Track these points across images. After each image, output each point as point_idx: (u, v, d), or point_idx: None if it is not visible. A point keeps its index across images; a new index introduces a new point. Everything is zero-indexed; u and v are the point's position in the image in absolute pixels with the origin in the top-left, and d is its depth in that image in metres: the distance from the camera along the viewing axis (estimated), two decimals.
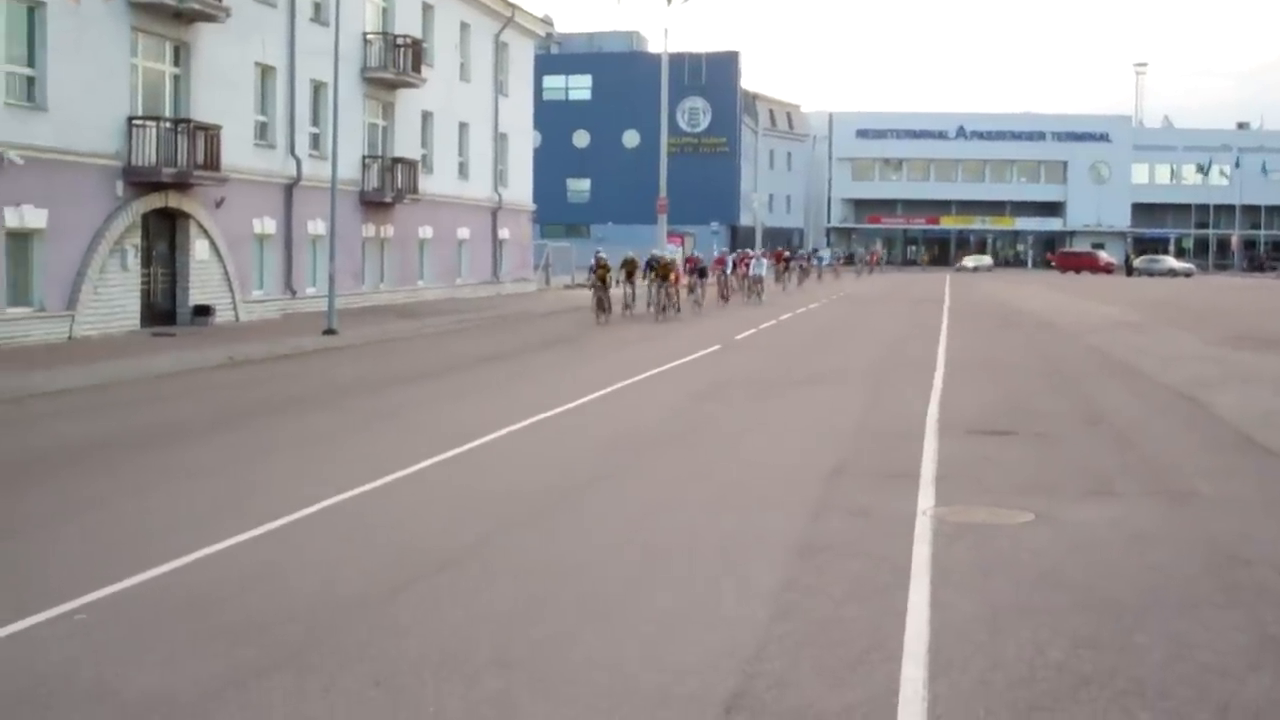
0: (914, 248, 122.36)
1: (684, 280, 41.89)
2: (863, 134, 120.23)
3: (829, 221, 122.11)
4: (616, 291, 40.22)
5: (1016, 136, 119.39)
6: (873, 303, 52.78)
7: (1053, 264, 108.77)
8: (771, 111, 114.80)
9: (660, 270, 39.71)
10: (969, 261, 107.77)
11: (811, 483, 12.81)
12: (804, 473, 13.38)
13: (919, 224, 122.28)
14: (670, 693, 6.75)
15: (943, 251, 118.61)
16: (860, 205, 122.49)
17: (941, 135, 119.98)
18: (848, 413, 18.23)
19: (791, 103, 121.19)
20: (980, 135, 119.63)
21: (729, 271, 51.13)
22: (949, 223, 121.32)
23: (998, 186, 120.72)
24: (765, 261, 55.42)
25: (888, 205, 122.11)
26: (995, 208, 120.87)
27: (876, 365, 25.14)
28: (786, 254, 72.95)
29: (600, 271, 38.26)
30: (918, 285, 72.65)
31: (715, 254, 54.06)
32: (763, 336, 32.89)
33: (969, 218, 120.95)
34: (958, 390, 20.57)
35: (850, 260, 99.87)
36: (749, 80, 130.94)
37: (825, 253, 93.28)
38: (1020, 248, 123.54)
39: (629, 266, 40.85)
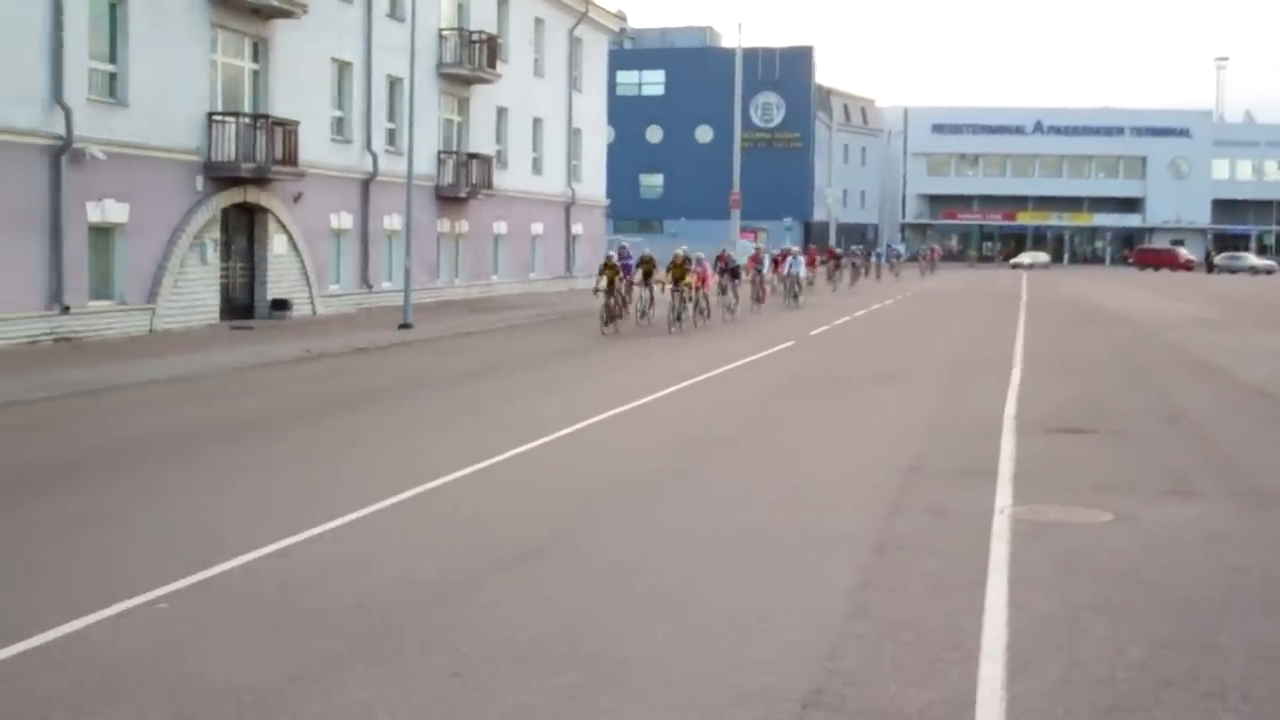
0: (989, 243, 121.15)
1: (713, 282, 35.93)
2: (938, 129, 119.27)
3: (904, 217, 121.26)
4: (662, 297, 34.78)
5: (1095, 131, 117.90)
6: (940, 305, 49.40)
7: (1131, 261, 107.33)
8: (846, 106, 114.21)
9: (675, 270, 33.16)
10: (1024, 258, 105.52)
11: (887, 481, 12.74)
12: (879, 470, 13.31)
13: (995, 220, 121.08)
14: (746, 688, 6.74)
15: (1018, 247, 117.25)
16: (935, 201, 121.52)
17: (1019, 130, 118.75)
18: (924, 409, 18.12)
19: (866, 97, 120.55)
20: (1058, 130, 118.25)
21: (764, 270, 43.83)
22: (1025, 219, 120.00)
23: (1075, 182, 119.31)
24: (801, 260, 47.19)
25: (963, 201, 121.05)
26: (1073, 204, 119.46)
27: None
28: (837, 251, 66.80)
29: (609, 272, 32.05)
30: (991, 283, 71.70)
31: (751, 250, 46.57)
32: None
33: (1046, 214, 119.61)
34: (1035, 387, 20.37)
35: (915, 258, 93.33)
36: (823, 75, 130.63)
37: (898, 247, 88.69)
38: (1098, 244, 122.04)
39: (646, 266, 33.99)
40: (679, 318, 32.31)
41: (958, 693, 6.74)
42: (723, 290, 37.17)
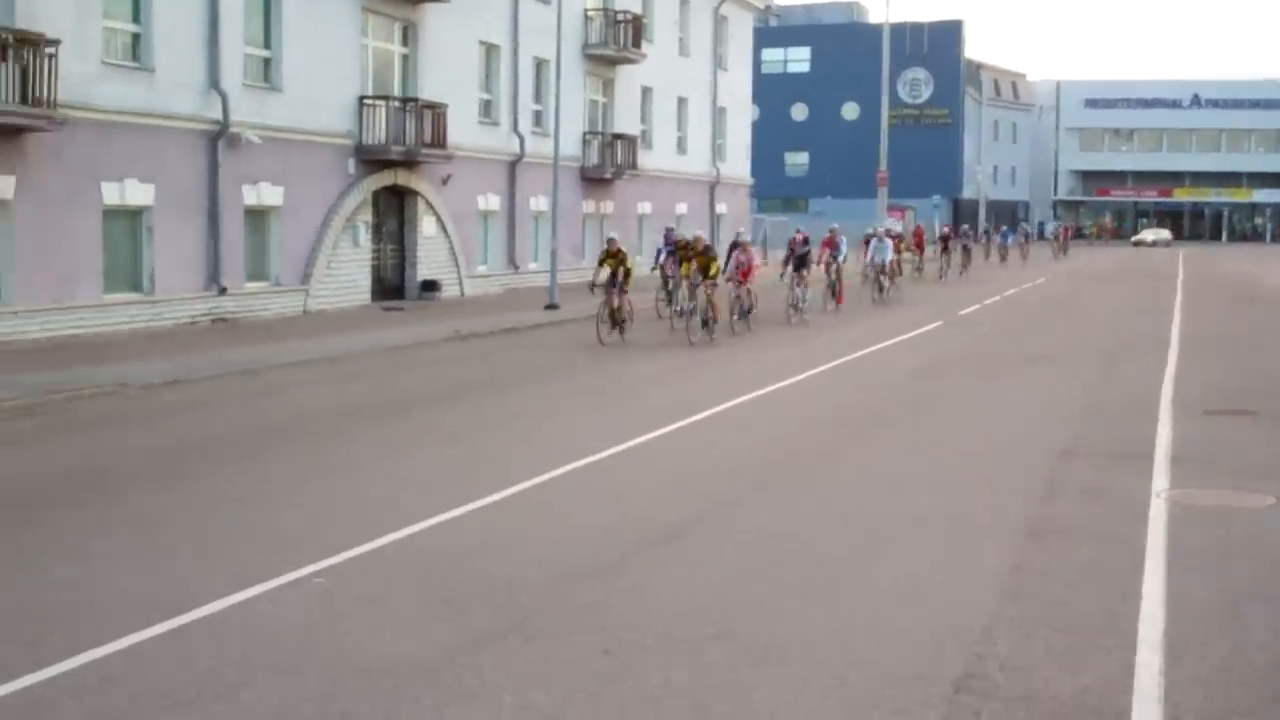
0: (1144, 220, 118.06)
1: (757, 271, 27.92)
2: (1092, 103, 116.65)
3: (1055, 194, 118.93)
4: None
5: (1255, 105, 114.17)
6: (1081, 296, 47.24)
7: None
8: (996, 81, 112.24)
9: (686, 253, 26.09)
10: (1147, 235, 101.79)
11: (1041, 463, 12.53)
12: (1033, 453, 13.10)
13: (1150, 196, 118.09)
14: (897, 671, 6.68)
15: (1175, 225, 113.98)
16: (1088, 177, 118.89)
17: (1175, 104, 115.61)
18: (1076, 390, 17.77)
19: (1017, 71, 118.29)
20: (1215, 104, 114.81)
21: (840, 258, 33.11)
22: (1182, 195, 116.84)
23: (1234, 157, 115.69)
24: (888, 244, 36.73)
25: (1117, 177, 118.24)
26: (1231, 179, 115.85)
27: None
28: (946, 231, 53.86)
29: (612, 260, 24.36)
30: (1139, 265, 69.78)
31: (828, 231, 34.19)
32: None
33: (1203, 190, 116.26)
34: (1193, 368, 19.86)
35: (1042, 236, 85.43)
36: (973, 49, 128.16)
37: (1026, 225, 78.32)
38: (1258, 221, 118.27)
39: (700, 259, 25.16)
40: (701, 320, 24.47)
41: (1113, 679, 6.61)
42: (799, 283, 29.04)
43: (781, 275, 29.86)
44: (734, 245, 27.44)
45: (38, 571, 8.43)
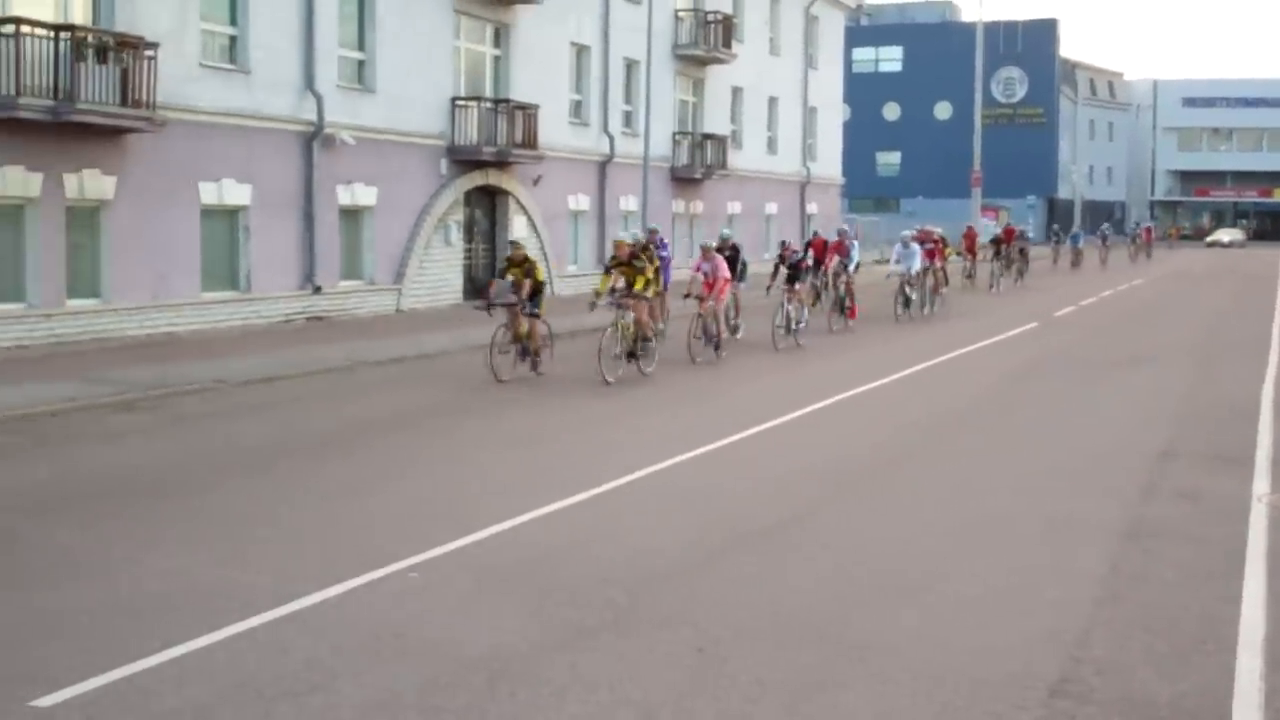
0: (1244, 220, 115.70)
1: (727, 292, 22.34)
2: (1190, 102, 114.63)
3: (1153, 194, 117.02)
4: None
5: None
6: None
7: None
8: (1092, 80, 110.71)
9: (618, 267, 19.44)
10: (1223, 235, 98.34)
11: (1138, 465, 12.35)
12: (1129, 455, 12.91)
13: (1250, 197, 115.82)
14: (992, 675, 6.62)
15: (1275, 226, 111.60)
16: (1186, 177, 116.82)
17: (1276, 103, 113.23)
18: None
19: (1113, 70, 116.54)
20: None
21: (852, 266, 27.56)
22: None
23: None
24: (915, 250, 29.52)
25: (1216, 177, 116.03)
26: None
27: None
28: (1001, 235, 45.07)
29: (516, 271, 19.09)
30: (1226, 262, 68.25)
31: (836, 234, 29.08)
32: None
33: None
34: None
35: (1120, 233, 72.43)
36: (1068, 48, 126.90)
37: (1105, 226, 64.00)
38: None
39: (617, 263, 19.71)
40: (631, 354, 18.86)
41: (1213, 684, 6.51)
42: (795, 298, 23.61)
43: (769, 289, 25.65)
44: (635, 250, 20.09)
45: (137, 564, 8.58)
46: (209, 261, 24.31)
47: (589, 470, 11.71)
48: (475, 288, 32.23)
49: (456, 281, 31.60)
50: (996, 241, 43.58)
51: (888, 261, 30.37)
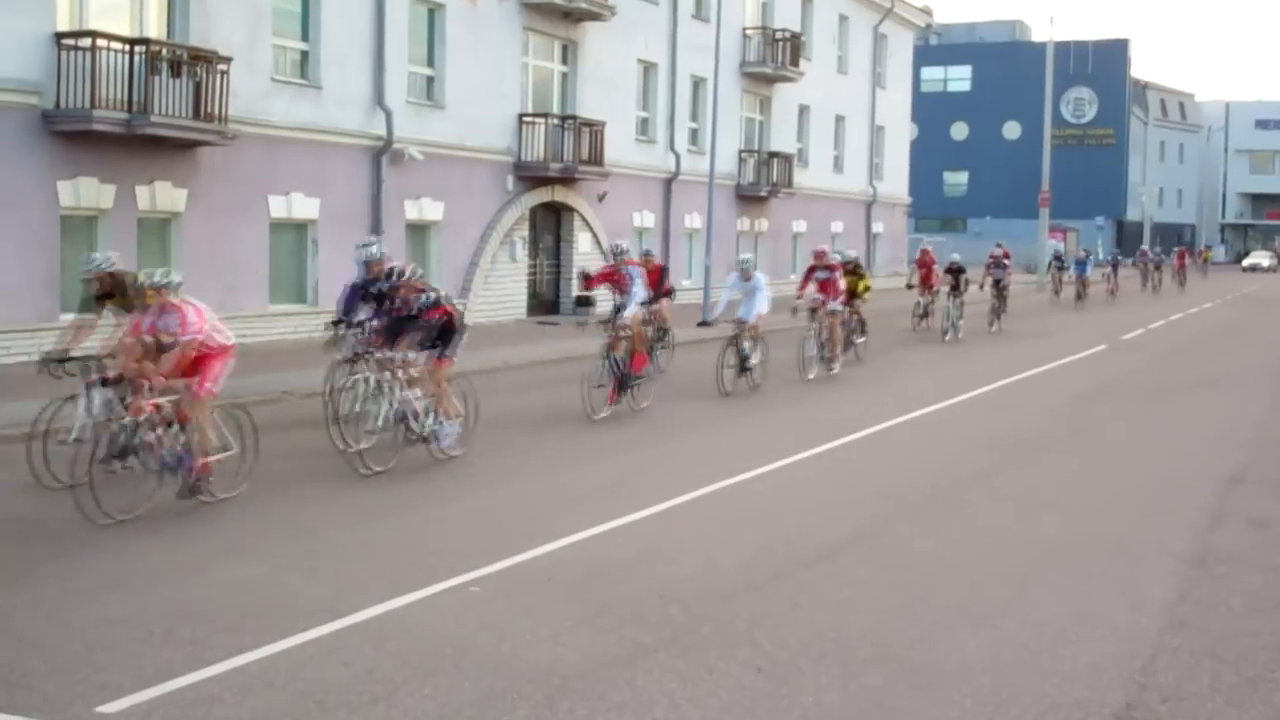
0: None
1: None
2: (1262, 124, 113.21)
3: (1223, 217, 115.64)
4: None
5: None
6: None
7: None
8: (1163, 101, 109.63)
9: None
10: (1262, 259, 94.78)
11: (1207, 491, 12.18)
12: (1198, 480, 12.74)
13: None
14: (1057, 700, 6.54)
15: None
16: (1258, 200, 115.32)
17: None
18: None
19: (1184, 91, 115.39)
20: None
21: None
22: None
23: None
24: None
25: None
26: None
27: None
28: (958, 264, 30.96)
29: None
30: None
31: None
32: None
33: None
34: None
35: (1148, 265, 56.74)
36: (1139, 68, 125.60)
37: (1114, 252, 55.71)
38: None
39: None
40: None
41: None
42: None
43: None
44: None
45: (202, 573, 8.66)
46: (277, 274, 24.54)
47: (653, 486, 11.70)
48: (539, 303, 32.39)
49: (521, 297, 31.71)
50: (953, 270, 30.60)
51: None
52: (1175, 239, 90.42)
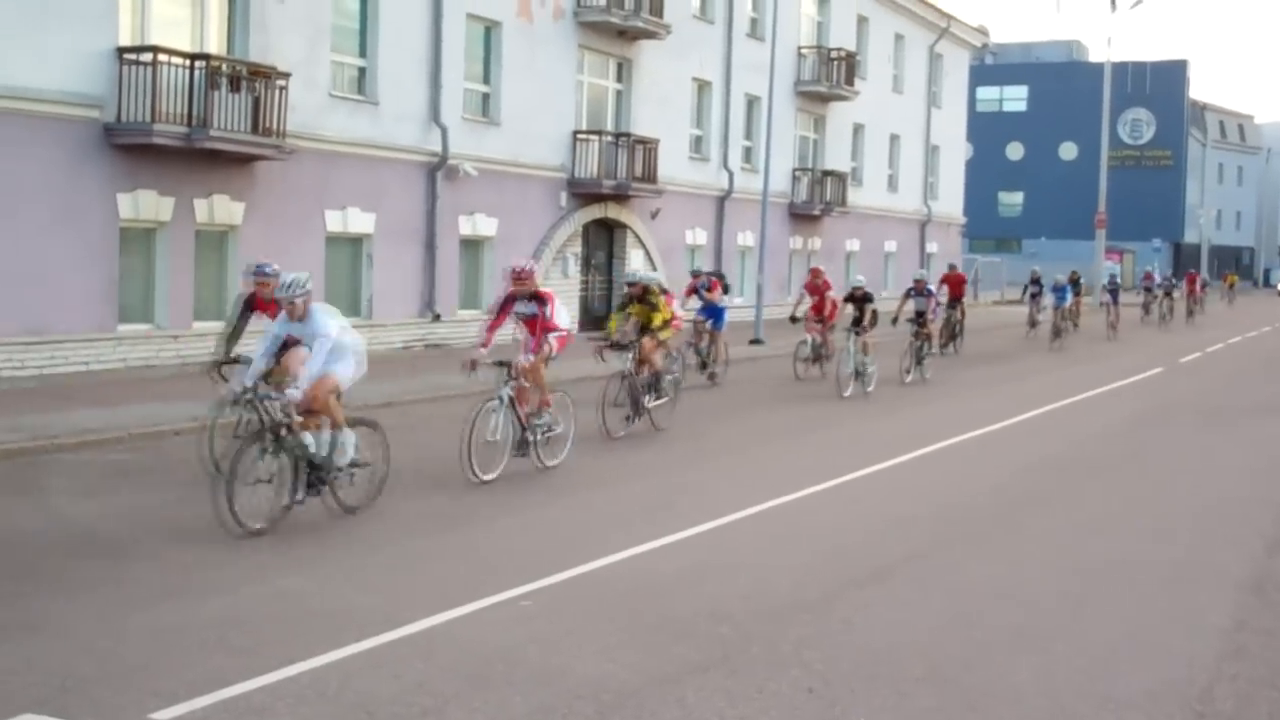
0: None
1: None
2: None
3: None
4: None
5: None
6: None
7: None
8: (1221, 123, 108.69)
9: (635, 306, 17.23)
10: None
11: (1265, 516, 12.02)
12: (1257, 506, 12.58)
13: None
14: None
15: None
16: None
17: None
18: None
19: (1244, 113, 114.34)
20: None
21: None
22: None
23: None
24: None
25: None
26: None
27: None
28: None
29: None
30: None
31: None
32: None
33: None
34: None
35: (1153, 292, 48.80)
36: (1197, 89, 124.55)
37: (1112, 270, 47.09)
38: None
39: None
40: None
41: None
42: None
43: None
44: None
45: (257, 582, 8.70)
46: (333, 288, 24.65)
47: (706, 503, 11.68)
48: (590, 319, 32.42)
49: (573, 313, 31.77)
50: (855, 299, 23.30)
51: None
52: (1233, 262, 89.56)
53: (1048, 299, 36.40)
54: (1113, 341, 36.49)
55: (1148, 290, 49.05)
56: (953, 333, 31.47)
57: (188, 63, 20.40)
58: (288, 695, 6.54)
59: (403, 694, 6.60)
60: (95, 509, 11.11)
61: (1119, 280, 45.50)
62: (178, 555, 9.43)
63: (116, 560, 9.26)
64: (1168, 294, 47.19)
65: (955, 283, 32.24)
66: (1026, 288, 39.04)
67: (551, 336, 13.79)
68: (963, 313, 31.86)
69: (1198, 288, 52.44)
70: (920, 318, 25.15)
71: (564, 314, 14.31)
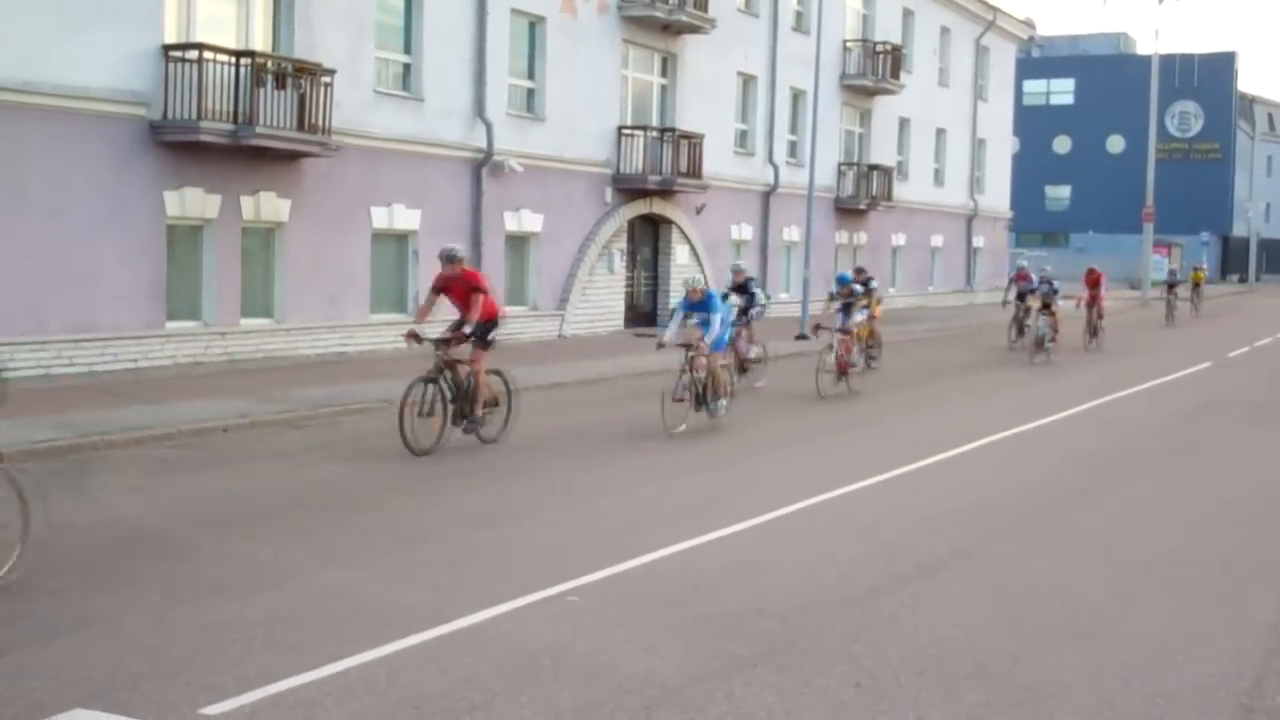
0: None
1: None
2: None
3: None
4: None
5: None
6: None
7: None
8: (1271, 115, 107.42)
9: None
10: None
11: None
12: None
13: None
14: None
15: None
16: None
17: None
18: None
19: None
20: None
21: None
22: None
23: None
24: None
25: None
26: None
27: None
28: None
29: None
30: None
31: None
32: None
33: None
34: None
35: (1177, 287, 45.04)
36: (1247, 82, 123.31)
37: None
38: None
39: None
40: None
41: None
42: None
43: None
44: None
45: (304, 579, 8.76)
46: (378, 284, 24.82)
47: (751, 499, 11.67)
48: (636, 315, 32.45)
49: (618, 308, 31.79)
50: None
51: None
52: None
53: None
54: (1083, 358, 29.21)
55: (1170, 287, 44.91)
56: (1094, 330, 31.56)
57: (233, 60, 20.52)
58: (336, 690, 6.58)
59: (451, 689, 6.63)
60: (144, 505, 11.21)
61: (1177, 274, 46.19)
62: (225, 551, 9.50)
63: (165, 556, 9.34)
64: (1171, 288, 44.33)
65: (1093, 282, 32.05)
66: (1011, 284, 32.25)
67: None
68: (1100, 312, 31.60)
69: (1196, 293, 48.20)
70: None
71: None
